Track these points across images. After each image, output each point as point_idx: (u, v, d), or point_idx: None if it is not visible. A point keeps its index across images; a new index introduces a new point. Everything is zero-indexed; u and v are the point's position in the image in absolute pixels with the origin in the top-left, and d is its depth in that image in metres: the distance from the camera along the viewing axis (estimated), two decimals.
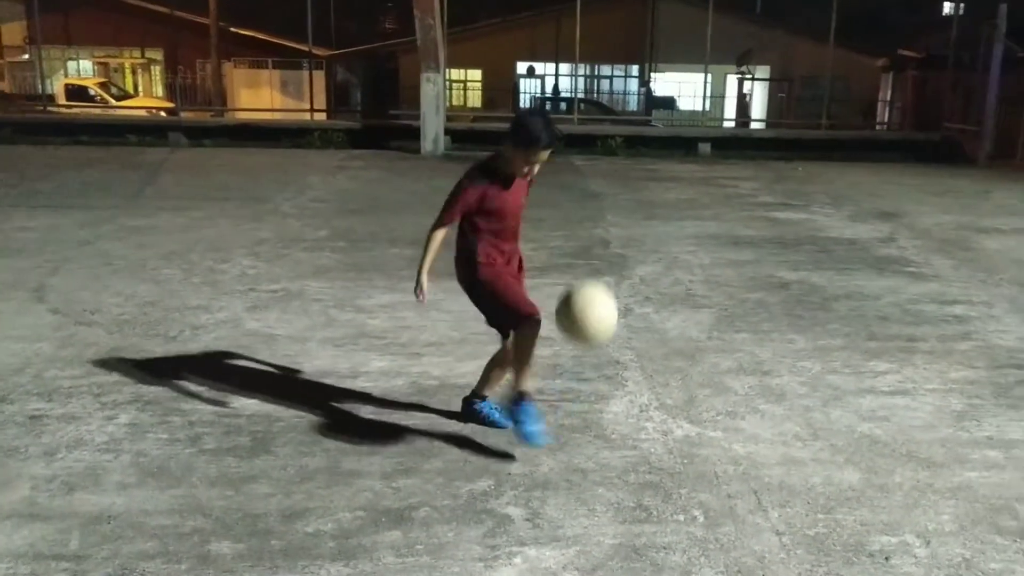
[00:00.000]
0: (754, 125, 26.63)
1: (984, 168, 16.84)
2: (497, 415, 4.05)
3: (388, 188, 12.23)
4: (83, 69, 28.31)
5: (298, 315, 5.89)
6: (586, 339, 3.64)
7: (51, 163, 13.46)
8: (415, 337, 5.47)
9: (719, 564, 2.98)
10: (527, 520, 3.25)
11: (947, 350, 5.45)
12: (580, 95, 27.66)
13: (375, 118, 18.89)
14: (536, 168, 3.70)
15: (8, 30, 28.47)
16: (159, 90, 29.14)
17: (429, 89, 16.36)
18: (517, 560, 2.98)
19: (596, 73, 31.53)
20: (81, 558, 2.94)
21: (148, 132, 17.47)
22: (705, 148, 17.79)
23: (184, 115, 19.96)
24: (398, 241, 8.33)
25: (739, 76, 27.56)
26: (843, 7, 19.27)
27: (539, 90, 30.85)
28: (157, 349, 5.10)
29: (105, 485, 3.43)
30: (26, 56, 27.96)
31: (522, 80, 30.87)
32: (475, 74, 30.00)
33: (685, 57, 23.81)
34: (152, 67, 29.73)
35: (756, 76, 28.77)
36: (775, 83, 29.72)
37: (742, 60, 26.71)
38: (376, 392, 4.52)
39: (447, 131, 17.08)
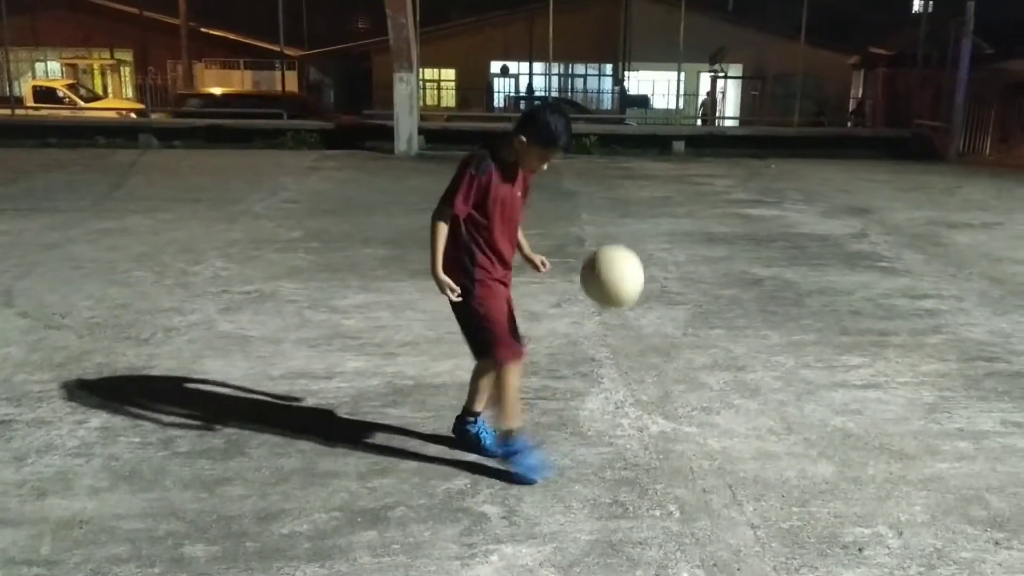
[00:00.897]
0: (728, 123, 26.78)
1: (954, 164, 17.05)
2: (489, 440, 3.74)
3: (361, 188, 12.18)
4: (51, 71, 27.96)
5: (272, 316, 5.85)
6: (613, 300, 3.50)
7: (19, 166, 13.29)
8: (390, 337, 5.45)
9: (695, 558, 2.99)
10: (503, 518, 3.24)
11: (918, 344, 5.50)
12: (554, 94, 27.70)
13: (348, 118, 18.79)
14: (545, 167, 3.53)
15: None
16: (129, 91, 28.85)
17: (402, 89, 16.32)
18: (494, 558, 2.98)
19: (570, 72, 31.57)
20: (53, 563, 2.90)
21: (118, 134, 17.30)
22: (679, 146, 17.88)
23: (155, 116, 19.76)
24: (372, 241, 8.31)
25: (712, 74, 27.70)
26: (814, 5, 19.42)
27: (513, 89, 30.84)
28: (129, 352, 5.05)
29: (76, 490, 3.39)
30: None
31: (496, 79, 30.86)
32: (448, 73, 29.95)
33: (658, 55, 23.90)
34: (122, 68, 29.43)
35: (729, 74, 28.94)
36: (748, 81, 29.92)
37: (715, 58, 26.86)
38: (351, 392, 4.50)
39: (421, 131, 17.05)
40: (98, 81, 28.68)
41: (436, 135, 17.86)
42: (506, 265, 3.56)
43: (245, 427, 3.99)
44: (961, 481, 3.61)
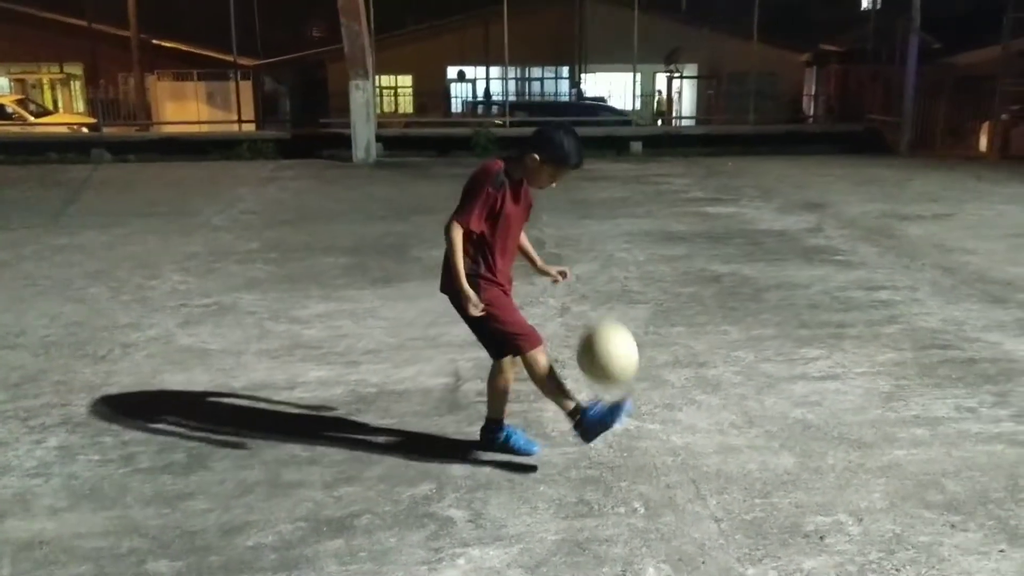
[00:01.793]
0: (684, 122, 27.02)
1: (905, 157, 17.39)
2: (521, 442, 3.80)
3: (320, 197, 12.12)
4: None
5: (232, 328, 5.80)
6: (608, 377, 3.44)
7: None
8: (352, 345, 5.43)
9: (660, 553, 3.02)
10: (470, 521, 3.25)
11: (874, 334, 5.60)
12: (512, 98, 27.75)
13: (305, 127, 18.66)
14: (555, 184, 3.57)
15: None
16: (80, 105, 28.39)
17: (358, 96, 16.27)
18: (461, 561, 2.98)
19: (527, 75, 31.64)
20: None
21: (70, 149, 17.06)
22: (637, 147, 18.02)
23: (107, 130, 19.47)
24: (332, 250, 8.27)
25: (668, 74, 27.93)
26: (766, 4, 19.70)
27: (470, 94, 30.85)
28: (86, 370, 4.97)
29: (36, 510, 3.33)
30: None
31: (453, 84, 30.85)
32: (405, 79, 29.88)
33: (614, 57, 24.07)
34: (72, 82, 28.95)
35: (684, 74, 29.21)
36: (703, 80, 30.20)
37: (670, 59, 27.09)
38: (314, 402, 4.48)
39: (379, 138, 17.02)
40: (48, 96, 28.19)
41: (394, 142, 17.85)
42: (507, 278, 3.63)
43: (207, 441, 3.95)
44: (918, 467, 3.68)
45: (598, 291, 6.72)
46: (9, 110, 22.41)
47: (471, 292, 3.42)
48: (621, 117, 21.49)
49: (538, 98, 31.07)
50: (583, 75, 30.58)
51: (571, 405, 3.52)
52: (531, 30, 23.30)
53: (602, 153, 17.11)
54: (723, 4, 25.38)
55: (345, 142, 16.65)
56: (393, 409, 4.36)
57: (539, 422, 4.19)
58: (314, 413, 4.35)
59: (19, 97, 24.64)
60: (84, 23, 23.22)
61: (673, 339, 5.51)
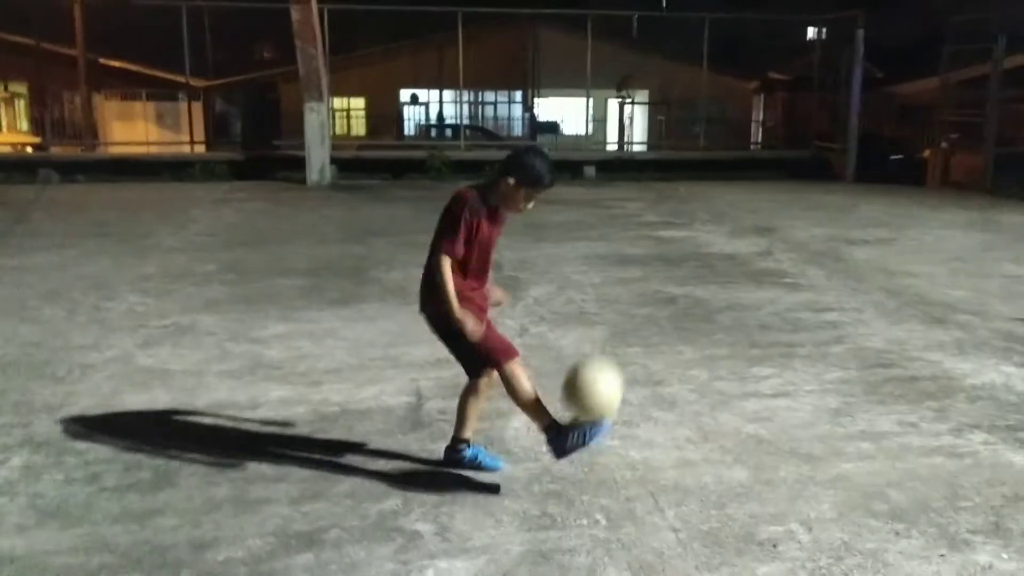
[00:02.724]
0: (636, 148, 27.48)
1: (850, 183, 17.89)
2: (487, 459, 3.90)
3: (275, 219, 12.11)
4: None
5: (192, 349, 5.81)
6: (590, 412, 3.45)
7: None
8: (313, 365, 5.48)
9: (622, 563, 3.14)
10: (437, 535, 3.33)
11: (822, 354, 5.81)
12: (465, 121, 27.97)
13: (258, 149, 18.60)
14: (531, 205, 3.69)
15: None
16: (23, 124, 27.89)
17: (313, 119, 16.30)
18: (429, 573, 3.06)
19: (480, 99, 31.92)
20: None
21: (15, 169, 16.76)
22: (590, 171, 18.29)
23: (55, 150, 19.21)
24: (289, 272, 8.29)
25: (620, 100, 28.41)
26: (715, 33, 20.20)
27: (424, 117, 31.02)
28: (45, 391, 4.95)
29: (3, 528, 3.33)
30: None
31: (406, 107, 30.99)
32: (358, 102, 29.94)
33: (567, 82, 24.42)
34: (16, 101, 28.45)
35: (636, 100, 29.73)
36: (654, 106, 30.77)
37: (622, 85, 27.58)
38: (277, 420, 4.52)
39: (333, 160, 17.03)
40: None
41: (349, 164, 17.87)
42: (483, 296, 3.72)
43: (172, 459, 3.97)
44: (864, 479, 3.86)
45: (555, 312, 6.85)
46: None
47: (467, 318, 3.51)
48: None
49: (491, 122, 31.36)
50: (536, 100, 30.95)
51: (547, 420, 3.60)
52: (485, 54, 23.54)
53: (556, 177, 17.28)
54: (674, 32, 25.97)
55: (299, 164, 16.63)
56: (356, 428, 4.43)
57: (501, 440, 4.28)
58: (278, 432, 4.40)
59: None
60: (31, 42, 22.90)
61: (630, 359, 5.65)
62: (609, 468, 3.95)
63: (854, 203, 14.40)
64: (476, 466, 3.87)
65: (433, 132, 28.50)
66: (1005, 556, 3.21)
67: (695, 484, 3.79)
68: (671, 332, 6.33)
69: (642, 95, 30.40)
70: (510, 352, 3.65)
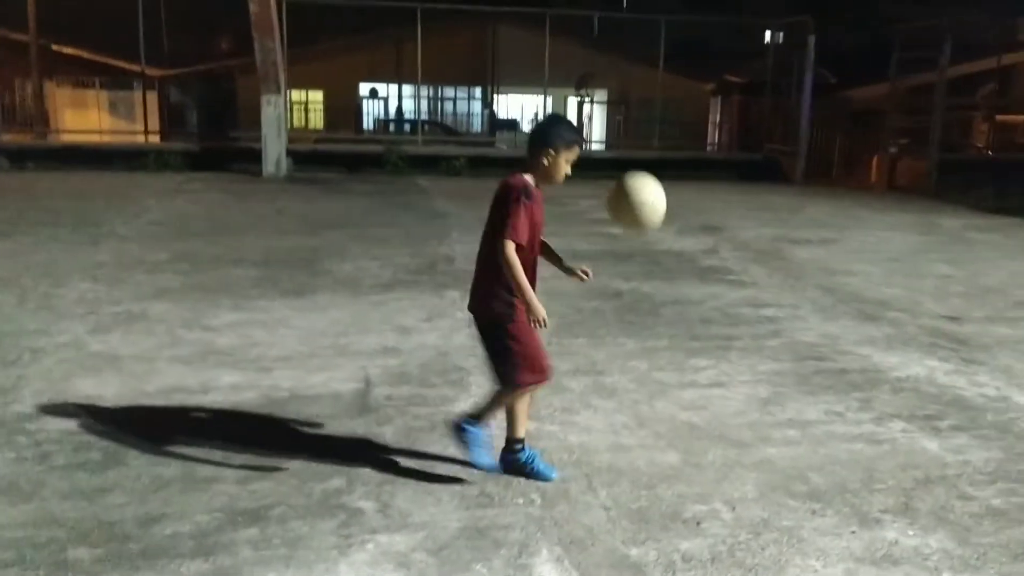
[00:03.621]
0: (593, 146, 27.74)
1: (799, 185, 18.32)
2: (541, 466, 3.79)
3: (230, 211, 12.12)
4: None
5: (143, 336, 5.87)
6: (639, 224, 3.70)
7: None
8: (264, 353, 5.58)
9: (554, 537, 3.31)
10: (378, 511, 3.47)
11: (758, 347, 6.04)
12: (424, 116, 28.02)
13: (214, 140, 18.52)
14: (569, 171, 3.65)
15: None
16: None
17: (270, 112, 16.30)
18: (370, 546, 3.20)
19: (439, 95, 31.97)
20: None
21: None
22: None
23: (4, 137, 18.92)
24: (243, 262, 8.35)
25: (579, 99, 28.66)
26: (673, 34, 20.52)
27: (383, 112, 30.99)
28: None
29: None
30: None
31: (365, 101, 30.93)
32: (316, 95, 29.82)
33: (526, 80, 24.60)
34: None
35: (595, 99, 30.01)
36: (612, 106, 31.08)
37: (581, 83, 27.83)
38: (227, 405, 4.63)
39: (289, 153, 17.03)
40: None
41: (305, 157, 17.87)
42: (533, 287, 3.61)
43: (122, 441, 4.06)
44: (787, 463, 4.07)
45: None
46: None
47: (538, 305, 3.47)
48: None
49: (451, 118, 31.42)
50: (496, 96, 31.08)
51: (520, 434, 3.73)
52: (445, 50, 23.62)
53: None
54: (634, 33, 26.27)
55: (255, 156, 16.62)
56: (305, 412, 4.55)
57: (445, 425, 4.42)
58: (228, 415, 4.50)
59: None
60: None
61: (576, 350, 5.83)
62: (547, 451, 4.11)
63: (801, 205, 14.78)
64: (529, 472, 3.77)
65: (392, 127, 28.53)
66: (911, 533, 3.44)
67: (628, 466, 3.97)
68: (615, 325, 6.53)
69: (601, 94, 30.69)
70: (539, 380, 3.65)
